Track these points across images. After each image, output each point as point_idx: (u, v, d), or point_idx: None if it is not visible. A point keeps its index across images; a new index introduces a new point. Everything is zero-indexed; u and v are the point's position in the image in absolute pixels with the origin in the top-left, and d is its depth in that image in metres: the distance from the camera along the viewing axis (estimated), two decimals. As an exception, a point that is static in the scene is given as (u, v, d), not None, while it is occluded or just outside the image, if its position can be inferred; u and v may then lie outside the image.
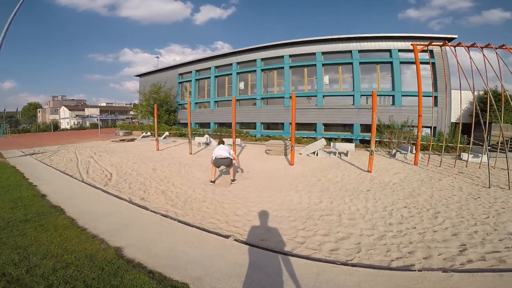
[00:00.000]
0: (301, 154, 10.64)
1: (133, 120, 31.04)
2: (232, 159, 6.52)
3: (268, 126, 20.95)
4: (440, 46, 10.01)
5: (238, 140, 12.78)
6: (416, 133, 14.24)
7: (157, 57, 32.83)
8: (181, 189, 5.97)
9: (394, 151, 11.29)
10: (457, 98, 16.76)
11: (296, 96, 19.57)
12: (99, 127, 32.20)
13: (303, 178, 6.77)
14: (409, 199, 5.31)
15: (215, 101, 22.68)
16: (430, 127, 16.57)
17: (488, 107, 9.01)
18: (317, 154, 10.46)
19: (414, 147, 10.79)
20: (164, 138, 16.24)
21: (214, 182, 6.39)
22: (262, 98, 20.61)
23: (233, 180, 6.54)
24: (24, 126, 56.96)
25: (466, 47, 9.38)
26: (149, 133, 19.56)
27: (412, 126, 14.32)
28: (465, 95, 18.75)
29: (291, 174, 7.16)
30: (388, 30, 18.33)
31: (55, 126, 50.28)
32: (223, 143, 6.96)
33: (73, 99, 78.56)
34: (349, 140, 16.88)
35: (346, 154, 10.44)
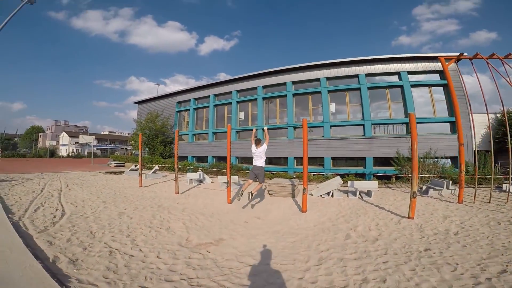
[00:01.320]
0: (312, 195, 8.69)
1: (128, 151, 29.51)
2: (263, 170, 6.96)
3: (270, 160, 19.12)
4: (471, 58, 8.55)
5: (235, 178, 10.89)
6: (442, 165, 12.56)
7: (158, 84, 32.15)
8: (140, 251, 4.02)
9: (424, 187, 9.35)
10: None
11: (299, 128, 18.17)
12: (92, 156, 30.52)
13: (324, 233, 4.79)
14: (500, 258, 3.50)
15: (214, 133, 21.18)
16: (452, 157, 14.94)
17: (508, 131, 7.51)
18: (332, 195, 8.52)
19: (450, 182, 8.91)
20: (154, 172, 14.40)
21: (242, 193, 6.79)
22: (262, 129, 19.03)
23: (252, 194, 6.74)
24: (24, 150, 55.80)
25: (501, 59, 7.96)
26: (136, 166, 17.74)
27: (436, 157, 12.49)
28: (479, 119, 17.43)
29: (305, 227, 5.17)
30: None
31: (52, 153, 49.20)
32: (258, 143, 6.92)
33: (75, 125, 78.41)
34: (362, 176, 15.00)
35: (368, 194, 8.49)
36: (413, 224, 5.27)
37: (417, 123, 14.98)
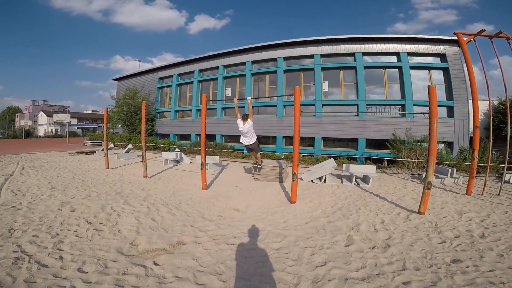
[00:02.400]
0: (301, 179, 7.59)
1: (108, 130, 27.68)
2: (257, 144, 7.02)
3: (259, 140, 17.87)
4: (492, 36, 7.32)
5: (216, 158, 9.63)
6: (440, 150, 11.69)
7: (139, 61, 29.52)
8: (60, 259, 2.83)
9: (424, 174, 8.40)
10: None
11: (290, 105, 16.95)
12: (67, 136, 28.43)
13: (319, 235, 3.65)
14: None
15: (198, 109, 19.61)
16: (445, 142, 14.20)
17: (508, 119, 6.56)
18: (325, 181, 7.43)
19: (454, 170, 7.99)
20: (127, 152, 12.96)
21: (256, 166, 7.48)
22: (252, 107, 17.66)
23: (259, 165, 7.47)
24: (2, 131, 52.70)
25: None
26: (112, 145, 16.21)
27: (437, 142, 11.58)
28: (480, 106, 16.73)
29: (294, 226, 4.01)
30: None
31: (27, 133, 46.49)
32: (244, 119, 6.49)
33: (55, 105, 74.72)
34: (354, 158, 14.08)
35: (365, 181, 7.46)
36: (426, 222, 4.23)
37: (414, 105, 14.42)
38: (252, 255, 3.07)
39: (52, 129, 55.61)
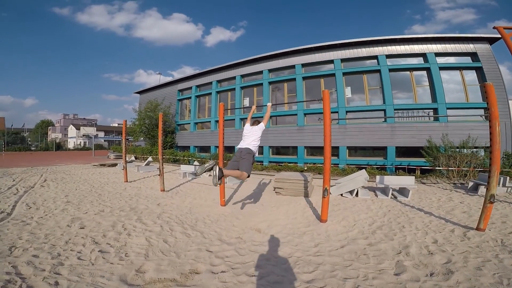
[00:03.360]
0: (331, 193, 6.90)
1: (130, 142, 28.33)
2: (253, 157, 4.53)
3: (278, 150, 17.35)
4: None
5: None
6: (482, 156, 10.49)
7: (159, 74, 30.34)
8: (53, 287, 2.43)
9: (470, 183, 7.42)
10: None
11: (310, 114, 16.29)
12: (93, 148, 29.43)
13: (360, 261, 2.97)
14: None
15: (216, 121, 19.47)
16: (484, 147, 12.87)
17: None
18: (356, 194, 6.69)
19: (508, 178, 6.96)
20: (147, 164, 12.86)
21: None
22: (270, 117, 17.18)
23: (220, 177, 3.69)
24: (36, 144, 55.82)
25: None
26: (133, 157, 16.30)
27: (476, 147, 10.44)
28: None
29: (329, 250, 3.33)
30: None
31: (58, 145, 48.90)
32: (254, 123, 4.83)
33: (84, 118, 78.54)
34: (383, 168, 13.10)
35: (402, 193, 6.64)
36: (489, 240, 3.46)
37: (447, 108, 13.28)
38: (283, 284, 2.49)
39: (80, 141, 58.26)
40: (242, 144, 4.63)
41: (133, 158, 17.46)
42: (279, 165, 14.30)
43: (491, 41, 13.32)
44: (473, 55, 13.54)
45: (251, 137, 4.63)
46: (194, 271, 2.91)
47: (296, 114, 16.13)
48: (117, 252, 3.38)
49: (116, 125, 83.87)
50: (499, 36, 6.41)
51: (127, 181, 9.35)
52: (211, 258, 3.21)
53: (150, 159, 13.56)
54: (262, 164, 15.04)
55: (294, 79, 16.46)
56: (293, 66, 16.65)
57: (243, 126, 16.62)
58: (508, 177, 7.03)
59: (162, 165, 7.59)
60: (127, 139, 32.78)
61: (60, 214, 5.07)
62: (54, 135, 53.64)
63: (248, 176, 4.33)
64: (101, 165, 16.11)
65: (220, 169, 3.62)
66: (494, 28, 6.69)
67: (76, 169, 13.68)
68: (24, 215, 4.93)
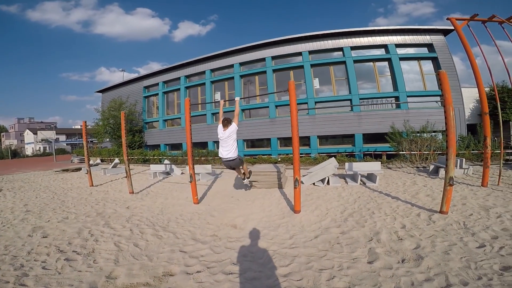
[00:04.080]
0: (303, 183, 7.02)
1: (94, 144, 26.72)
2: (239, 158, 4.96)
3: (253, 143, 17.36)
4: (485, 21, 6.88)
5: (208, 167, 8.98)
6: (440, 140, 11.24)
7: (123, 70, 28.79)
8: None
9: (431, 166, 7.95)
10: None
11: (282, 105, 16.42)
12: (54, 153, 27.30)
13: (334, 251, 3.04)
14: None
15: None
16: (442, 131, 13.88)
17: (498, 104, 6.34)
18: (328, 182, 6.87)
19: (464, 160, 7.53)
20: (114, 166, 12.20)
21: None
22: (243, 110, 17.11)
23: (248, 177, 5.59)
24: None
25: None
26: (98, 160, 15.39)
27: (434, 132, 11.22)
28: (468, 94, 16.61)
29: (303, 241, 3.36)
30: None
31: (14, 153, 44.84)
32: (226, 123, 4.79)
33: (42, 122, 72.65)
34: (352, 155, 13.65)
35: (370, 179, 6.93)
36: (453, 223, 3.69)
37: (408, 96, 14.08)
38: (261, 277, 2.47)
39: (39, 147, 53.91)
40: (223, 154, 4.84)
41: (98, 161, 16.49)
42: (253, 158, 14.32)
43: (445, 32, 14.28)
44: (430, 46, 14.46)
45: (229, 144, 4.78)
46: (168, 273, 2.80)
47: (268, 107, 16.19)
48: (84, 259, 3.21)
49: (79, 127, 78.75)
50: (453, 28, 6.82)
51: (92, 186, 8.79)
52: (185, 259, 3.10)
53: (117, 160, 12.86)
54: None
55: (265, 72, 16.45)
56: (263, 59, 16.63)
57: (215, 120, 16.23)
58: (464, 159, 7.63)
59: (129, 166, 7.21)
60: (92, 141, 30.95)
61: (19, 224, 4.74)
62: (8, 142, 48.99)
63: (243, 162, 5.31)
64: (63, 170, 14.99)
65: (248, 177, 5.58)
66: (447, 19, 7.13)
67: (35, 176, 12.63)
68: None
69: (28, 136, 58.95)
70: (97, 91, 26.41)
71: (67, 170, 14.82)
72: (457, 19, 6.90)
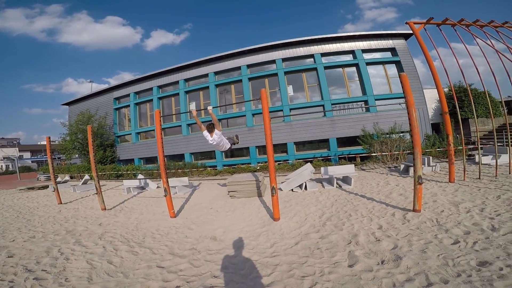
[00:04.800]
0: (281, 190, 7.05)
1: (62, 161, 25.18)
2: (233, 143, 5.63)
3: (232, 153, 17.22)
4: (439, 24, 7.44)
5: (185, 180, 8.76)
6: (408, 140, 11.84)
7: (91, 81, 27.60)
8: None
9: (402, 166, 8.33)
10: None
11: (258, 114, 16.51)
12: (17, 172, 25.38)
13: (314, 257, 3.05)
14: None
15: (162, 128, 18.41)
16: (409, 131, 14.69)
17: (456, 103, 7.03)
18: (306, 188, 6.96)
19: (430, 158, 7.97)
20: (84, 183, 11.54)
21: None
22: (220, 120, 17.00)
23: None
24: None
25: (464, 26, 7.00)
26: (67, 177, 14.51)
27: (402, 132, 11.84)
28: (431, 94, 17.78)
29: (284, 249, 3.35)
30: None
31: (-29, 171, 41.16)
32: (210, 129, 5.11)
33: (3, 138, 67.27)
34: (328, 159, 13.98)
35: (346, 182, 7.12)
36: (426, 220, 3.86)
37: (376, 99, 14.79)
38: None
39: (1, 165, 49.90)
40: (223, 149, 5.46)
41: (67, 177, 15.53)
42: (232, 167, 14.20)
43: (406, 36, 15.24)
44: (393, 50, 15.33)
45: (221, 143, 5.31)
46: (145, 292, 2.66)
47: (245, 115, 16.22)
48: (55, 278, 3.04)
49: (45, 143, 74.00)
50: (412, 32, 7.27)
51: (61, 203, 8.24)
52: (163, 274, 2.98)
53: (87, 176, 12.16)
54: (216, 169, 14.74)
55: (240, 81, 16.51)
56: (239, 68, 16.70)
57: (191, 132, 15.88)
58: (431, 157, 8.08)
59: (99, 182, 6.86)
60: (59, 157, 29.15)
61: None
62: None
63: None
64: (28, 188, 13.93)
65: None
66: (406, 23, 7.60)
67: (-1, 196, 11.66)
68: None
69: (-14, 154, 54.44)
70: (64, 104, 24.99)
71: (32, 188, 13.81)
72: (414, 23, 7.38)
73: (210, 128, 5.09)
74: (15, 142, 65.98)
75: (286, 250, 3.34)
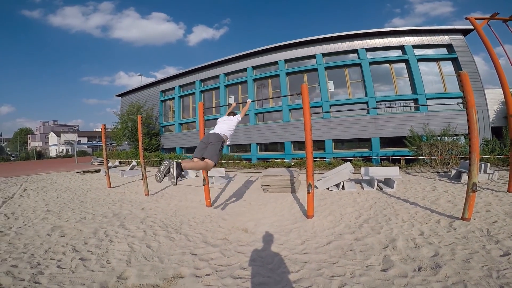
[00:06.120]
0: (316, 187, 6.90)
1: (113, 147, 27.59)
2: (221, 144, 3.88)
3: (266, 147, 17.32)
4: (506, 20, 6.53)
5: (222, 170, 9.03)
6: (463, 144, 10.74)
7: (140, 75, 29.73)
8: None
9: (453, 171, 7.61)
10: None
11: (295, 109, 16.29)
12: (75, 155, 28.50)
13: (347, 258, 2.94)
14: None
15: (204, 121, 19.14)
16: (465, 135, 13.27)
17: None
18: (343, 187, 6.73)
19: (488, 164, 7.15)
20: (132, 169, 12.52)
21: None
22: (256, 114, 17.15)
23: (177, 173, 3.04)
24: (15, 153, 53.53)
25: None
26: (117, 162, 15.86)
27: (456, 135, 10.75)
28: (493, 95, 15.80)
29: (315, 247, 3.29)
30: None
31: (39, 154, 47.23)
32: (230, 113, 4.48)
33: (65, 125, 75.87)
34: (369, 159, 13.30)
35: (388, 184, 6.72)
36: (475, 230, 3.50)
37: (427, 98, 13.60)
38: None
39: (62, 149, 56.30)
40: (214, 130, 4.10)
41: (117, 163, 17.01)
42: (267, 161, 14.27)
43: (465, 32, 13.72)
44: (449, 47, 13.93)
45: (224, 124, 4.20)
46: (177, 275, 2.81)
47: (281, 110, 16.13)
48: (98, 259, 3.29)
49: (99, 130, 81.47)
50: (472, 27, 6.54)
51: (110, 187, 9.05)
52: (195, 262, 3.11)
53: (134, 163, 13.20)
54: (250, 162, 14.94)
55: (278, 75, 16.43)
56: (276, 63, 16.62)
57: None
58: (488, 164, 7.24)
59: (145, 168, 7.38)
60: (111, 143, 31.99)
61: (40, 224, 4.92)
62: (34, 144, 51.60)
63: (214, 165, 3.77)
64: (84, 171, 15.57)
65: (178, 165, 3.06)
66: (466, 18, 6.83)
67: (58, 177, 13.21)
68: (2, 225, 4.76)
69: (52, 138, 61.65)
70: (116, 95, 27.35)
71: (87, 172, 15.38)
72: (476, 19, 6.61)
73: (231, 113, 4.52)
74: (74, 128, 74.01)
75: (317, 248, 3.27)
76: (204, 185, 5.68)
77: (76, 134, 32.52)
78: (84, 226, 4.69)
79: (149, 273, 2.87)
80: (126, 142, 22.72)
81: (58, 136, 58.03)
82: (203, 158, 3.66)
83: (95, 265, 3.12)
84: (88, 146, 60.67)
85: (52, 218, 5.31)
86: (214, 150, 3.72)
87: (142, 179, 7.44)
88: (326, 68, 15.32)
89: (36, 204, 6.73)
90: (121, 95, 26.73)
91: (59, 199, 7.39)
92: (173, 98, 21.28)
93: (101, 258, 3.29)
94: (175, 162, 3.08)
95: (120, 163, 19.79)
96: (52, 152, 57.89)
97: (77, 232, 4.37)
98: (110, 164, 15.27)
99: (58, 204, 6.70)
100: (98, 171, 15.13)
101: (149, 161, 17.43)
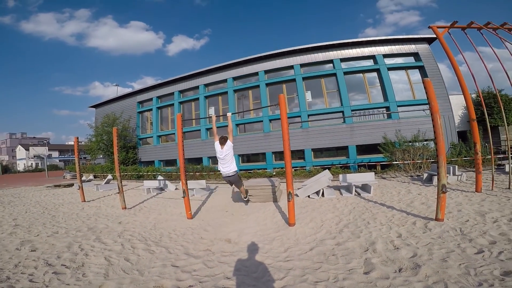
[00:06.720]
0: (297, 196, 6.98)
1: (87, 161, 26.40)
2: (238, 176, 5.44)
3: (248, 158, 17.33)
4: (464, 28, 7.12)
5: (202, 182, 8.91)
6: (432, 148, 11.34)
7: (116, 85, 28.85)
8: None
9: (425, 175, 8.00)
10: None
11: (275, 119, 16.53)
12: (46, 169, 26.92)
13: (329, 263, 2.98)
14: None
15: (183, 132, 18.84)
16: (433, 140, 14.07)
17: (485, 110, 6.59)
18: (323, 195, 6.85)
19: (456, 167, 7.61)
20: (107, 182, 12.02)
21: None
22: (238, 125, 17.18)
23: (245, 197, 6.03)
24: None
25: (492, 30, 6.65)
26: (91, 176, 15.16)
27: (426, 140, 11.36)
28: (457, 101, 16.94)
29: (298, 254, 3.31)
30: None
31: (5, 168, 44.35)
32: (222, 142, 5.19)
33: (34, 137, 71.83)
34: (346, 167, 13.69)
35: (365, 190, 6.94)
36: (449, 230, 3.68)
37: (398, 106, 14.33)
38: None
39: (32, 163, 53.14)
40: (224, 170, 5.26)
41: (91, 177, 16.26)
42: (249, 172, 14.26)
43: (429, 41, 14.70)
44: (416, 55, 14.84)
45: (227, 161, 5.19)
46: (159, 287, 2.72)
47: (262, 121, 16.28)
48: (73, 273, 3.15)
49: (72, 143, 77.98)
50: (445, 31, 6.99)
51: (84, 201, 8.63)
52: (177, 273, 3.02)
53: (110, 176, 12.67)
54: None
55: (258, 86, 16.64)
56: (256, 73, 16.85)
57: (209, 136, 16.14)
58: (456, 166, 7.71)
59: (121, 181, 7.11)
60: (85, 157, 30.60)
61: (7, 238, 4.70)
62: (2, 158, 48.44)
63: (243, 185, 5.78)
64: (55, 186, 14.73)
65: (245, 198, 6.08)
66: (429, 27, 7.34)
67: (26, 191, 12.48)
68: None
69: (20, 151, 58.28)
70: (91, 106, 26.31)
71: (59, 186, 14.58)
72: (438, 27, 7.11)
73: (223, 140, 5.18)
74: (45, 141, 70.17)
75: (300, 255, 3.29)
76: (184, 197, 5.57)
77: (47, 148, 30.91)
78: (56, 240, 4.47)
79: (128, 286, 2.77)
80: (101, 156, 21.81)
81: (27, 149, 54.85)
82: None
83: (71, 278, 2.98)
84: (59, 160, 57.78)
85: (21, 232, 5.05)
86: (239, 182, 5.56)
87: (118, 193, 7.16)
88: (304, 79, 15.76)
89: (2, 218, 6.40)
90: (95, 106, 25.77)
91: (28, 213, 7.05)
92: (151, 110, 20.83)
93: (76, 272, 3.15)
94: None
95: (95, 177, 18.94)
96: (20, 166, 54.68)
97: (49, 246, 4.17)
98: (84, 178, 14.58)
99: (27, 218, 6.38)
100: (71, 185, 14.37)
101: (126, 174, 16.81)
